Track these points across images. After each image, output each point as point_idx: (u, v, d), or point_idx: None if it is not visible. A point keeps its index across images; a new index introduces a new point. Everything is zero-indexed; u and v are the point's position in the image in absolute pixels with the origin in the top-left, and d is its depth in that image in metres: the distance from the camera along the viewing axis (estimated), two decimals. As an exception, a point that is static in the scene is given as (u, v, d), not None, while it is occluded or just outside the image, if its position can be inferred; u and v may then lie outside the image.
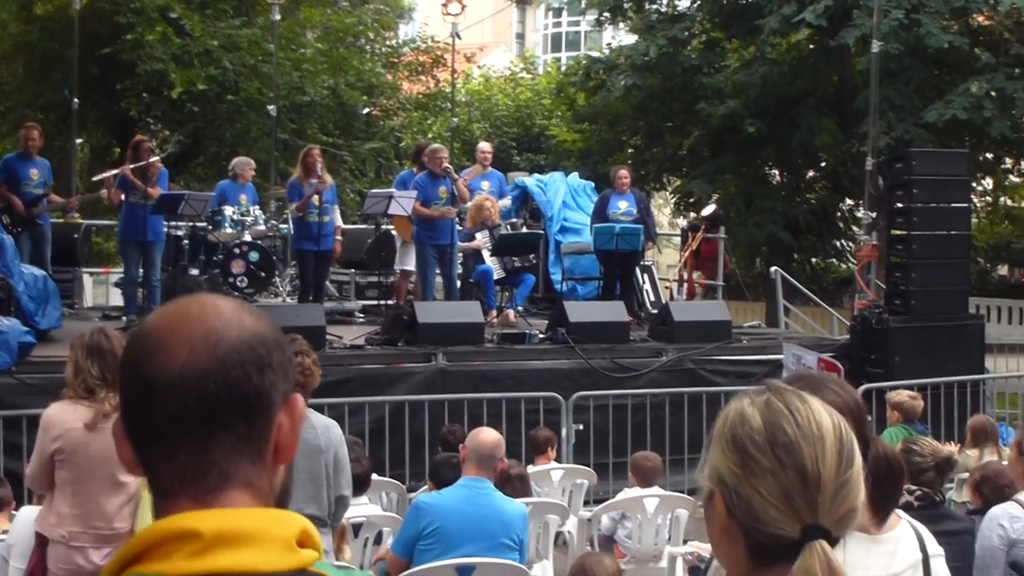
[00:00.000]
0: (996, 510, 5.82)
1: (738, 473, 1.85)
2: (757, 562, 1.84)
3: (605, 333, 13.46)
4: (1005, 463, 6.76)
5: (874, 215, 16.15)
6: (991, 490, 6.25)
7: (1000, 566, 5.65)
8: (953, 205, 14.97)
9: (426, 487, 8.25)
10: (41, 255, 13.98)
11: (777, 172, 28.97)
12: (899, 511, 3.01)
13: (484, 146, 16.46)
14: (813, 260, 30.67)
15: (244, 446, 1.63)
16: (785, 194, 27.61)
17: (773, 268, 18.25)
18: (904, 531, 2.79)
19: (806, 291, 19.12)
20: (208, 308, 1.66)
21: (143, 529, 1.60)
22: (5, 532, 6.74)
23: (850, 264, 28.72)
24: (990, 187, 29.89)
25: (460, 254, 14.60)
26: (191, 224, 15.30)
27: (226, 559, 1.52)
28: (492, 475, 6.55)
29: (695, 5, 27.48)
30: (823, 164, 28.45)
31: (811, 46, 26.28)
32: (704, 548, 6.64)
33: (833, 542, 1.82)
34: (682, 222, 27.80)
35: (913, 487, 5.50)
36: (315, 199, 13.78)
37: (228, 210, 15.14)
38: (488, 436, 6.56)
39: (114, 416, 5.65)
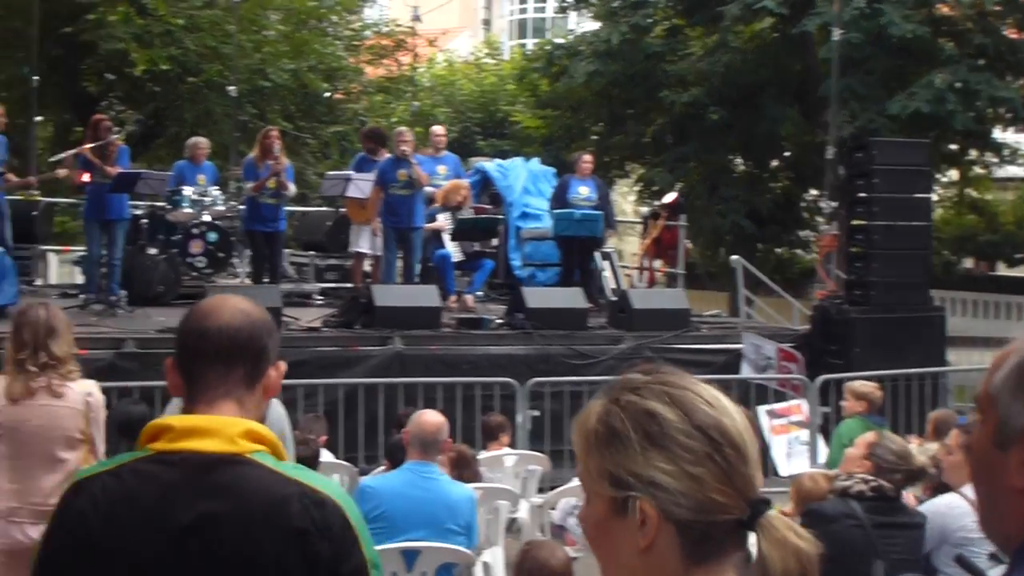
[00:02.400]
0: (936, 501, 5.80)
1: (671, 470, 1.76)
2: (693, 561, 1.76)
3: (563, 319, 13.42)
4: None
5: (835, 205, 16.16)
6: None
7: (935, 552, 5.63)
8: (914, 195, 14.96)
9: (381, 468, 8.20)
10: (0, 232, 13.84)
11: (741, 161, 28.97)
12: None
13: (437, 129, 16.33)
14: (777, 250, 30.72)
15: (246, 379, 2.63)
16: (749, 183, 27.63)
17: (734, 257, 18.23)
18: None
19: (768, 281, 19.11)
20: (237, 298, 2.76)
21: (151, 423, 2.60)
22: None
23: (814, 254, 28.78)
24: (956, 179, 29.97)
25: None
26: (150, 204, 15.22)
27: (187, 443, 2.50)
28: (437, 459, 6.49)
29: (658, -8, 27.46)
30: (787, 153, 28.47)
31: (775, 34, 26.27)
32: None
33: None
34: (644, 210, 27.79)
35: (870, 478, 5.39)
36: (270, 182, 13.71)
37: (187, 190, 15.04)
38: (430, 419, 6.47)
39: (46, 390, 5.61)
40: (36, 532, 5.72)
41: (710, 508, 1.74)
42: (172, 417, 2.57)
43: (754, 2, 22.74)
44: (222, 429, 2.51)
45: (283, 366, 2.73)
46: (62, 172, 13.87)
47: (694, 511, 1.75)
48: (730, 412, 1.80)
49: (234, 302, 2.71)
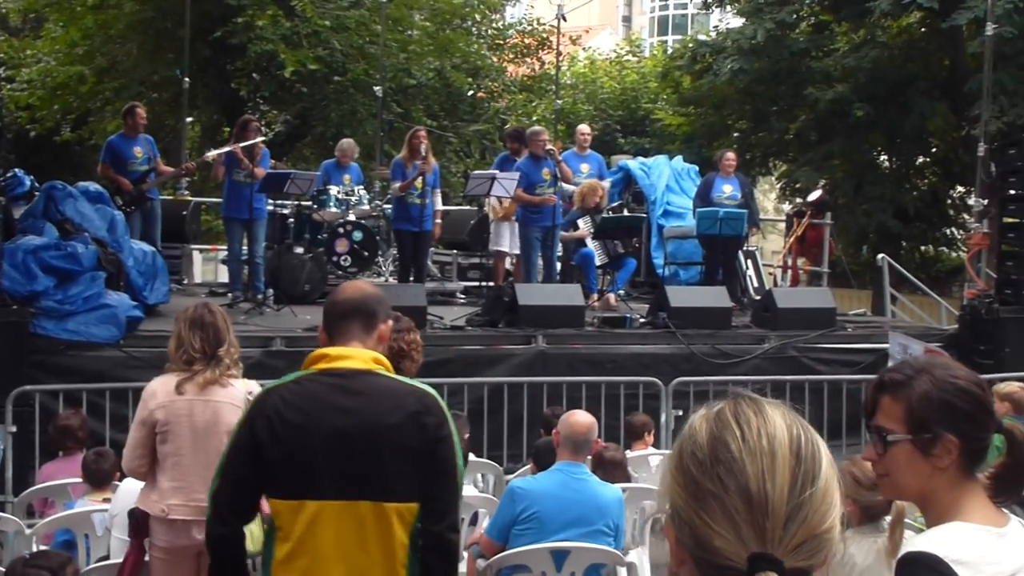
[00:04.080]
0: None
1: (684, 497, 1.70)
2: None
3: (707, 318, 13.31)
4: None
5: (985, 202, 15.77)
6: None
7: None
8: (1069, 193, 14.51)
9: (527, 468, 8.22)
10: (151, 232, 14.19)
11: (886, 158, 28.40)
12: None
13: (583, 128, 16.33)
14: (923, 248, 30.04)
15: (365, 329, 4.16)
16: (894, 180, 27.06)
17: (880, 256, 17.94)
18: (1016, 525, 2.67)
19: (914, 279, 18.77)
20: (358, 281, 5.06)
21: (313, 352, 4.12)
22: (107, 500, 6.84)
23: (961, 253, 28.11)
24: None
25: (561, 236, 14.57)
26: (296, 203, 15.48)
27: (338, 364, 4.02)
28: (587, 459, 6.49)
29: (804, -12, 27.02)
30: (934, 150, 27.84)
31: (922, 29, 25.69)
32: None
33: (792, 575, 1.62)
34: (787, 208, 27.41)
35: None
36: (418, 182, 13.84)
37: (333, 189, 15.30)
38: (582, 419, 6.47)
39: (213, 387, 5.71)
40: (200, 532, 5.83)
41: (709, 549, 1.66)
42: (328, 348, 4.10)
43: (905, -4, 22.26)
44: (359, 355, 4.08)
45: (391, 323, 4.30)
46: (210, 156, 14.21)
47: (697, 547, 1.68)
48: (763, 454, 1.67)
49: (355, 283, 4.45)
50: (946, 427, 2.61)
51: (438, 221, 15.11)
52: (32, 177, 14.30)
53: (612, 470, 7.32)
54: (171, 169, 15.02)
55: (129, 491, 6.30)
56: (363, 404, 3.95)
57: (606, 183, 16.08)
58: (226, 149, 13.84)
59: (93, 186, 13.18)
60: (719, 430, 1.71)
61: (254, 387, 5.96)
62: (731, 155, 15.82)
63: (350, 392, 3.97)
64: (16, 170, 14.59)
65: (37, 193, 12.92)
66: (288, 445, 3.92)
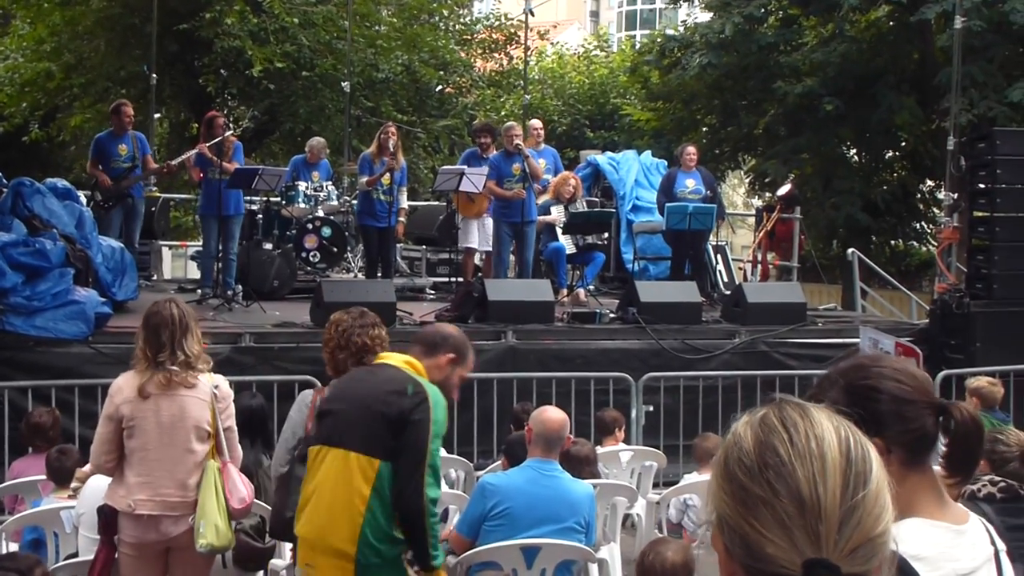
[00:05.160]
0: None
1: (732, 505, 1.66)
2: None
3: (677, 313, 13.29)
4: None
5: (955, 196, 15.81)
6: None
7: None
8: (1038, 186, 14.53)
9: (498, 464, 8.18)
10: (130, 229, 14.19)
11: (855, 152, 28.48)
12: (961, 505, 2.87)
13: (535, 123, 16.25)
14: (892, 242, 30.12)
15: (425, 353, 5.31)
16: (864, 175, 27.13)
17: (850, 250, 17.96)
18: (976, 523, 2.65)
19: (884, 274, 18.82)
20: (446, 325, 6.34)
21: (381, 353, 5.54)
22: (72, 496, 6.78)
23: (930, 247, 28.21)
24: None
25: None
26: (265, 199, 15.42)
27: (385, 359, 5.31)
28: (559, 456, 6.46)
29: (773, -18, 27.07)
30: (903, 144, 27.92)
31: (891, 23, 25.74)
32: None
33: None
34: (757, 202, 27.45)
35: (997, 478, 5.24)
36: (385, 178, 13.79)
37: (302, 185, 15.24)
38: (554, 416, 6.45)
39: (178, 384, 5.67)
40: (166, 526, 5.77)
41: (761, 557, 1.62)
42: (386, 355, 5.36)
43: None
44: (395, 357, 5.22)
45: (451, 356, 5.35)
46: (183, 161, 14.24)
47: (748, 556, 1.64)
48: (813, 457, 1.64)
49: (442, 324, 6.20)
50: (867, 432, 2.58)
51: (401, 220, 15.04)
52: (0, 174, 14.17)
53: (579, 465, 7.26)
54: (156, 166, 15.02)
55: (96, 488, 6.24)
56: (371, 381, 5.16)
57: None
58: (194, 151, 13.84)
59: (61, 182, 13.12)
60: (766, 435, 1.68)
61: (221, 381, 5.94)
62: (691, 149, 15.80)
63: (370, 375, 5.24)
64: (-17, 167, 14.50)
65: (5, 190, 12.82)
66: (324, 407, 5.23)
